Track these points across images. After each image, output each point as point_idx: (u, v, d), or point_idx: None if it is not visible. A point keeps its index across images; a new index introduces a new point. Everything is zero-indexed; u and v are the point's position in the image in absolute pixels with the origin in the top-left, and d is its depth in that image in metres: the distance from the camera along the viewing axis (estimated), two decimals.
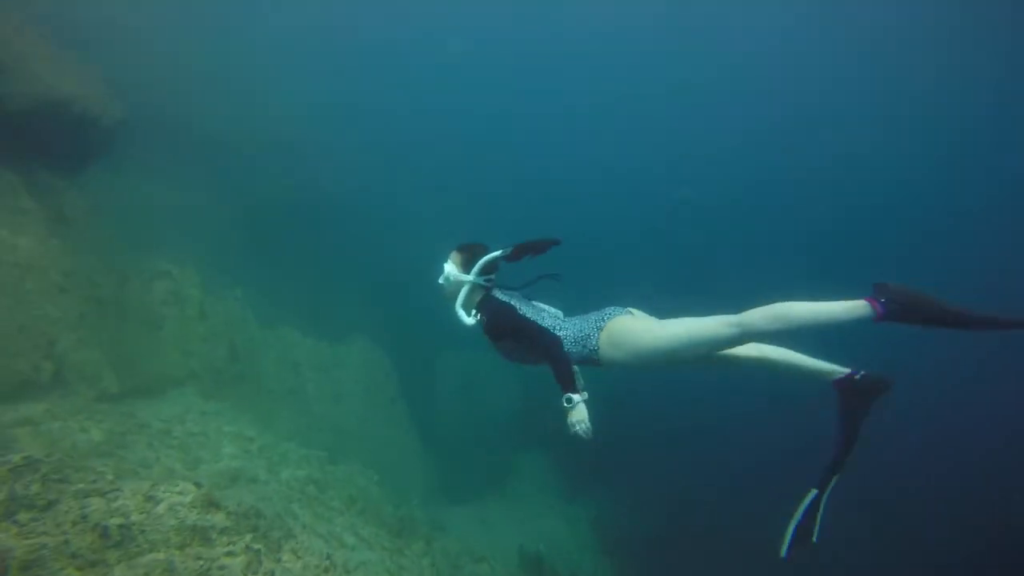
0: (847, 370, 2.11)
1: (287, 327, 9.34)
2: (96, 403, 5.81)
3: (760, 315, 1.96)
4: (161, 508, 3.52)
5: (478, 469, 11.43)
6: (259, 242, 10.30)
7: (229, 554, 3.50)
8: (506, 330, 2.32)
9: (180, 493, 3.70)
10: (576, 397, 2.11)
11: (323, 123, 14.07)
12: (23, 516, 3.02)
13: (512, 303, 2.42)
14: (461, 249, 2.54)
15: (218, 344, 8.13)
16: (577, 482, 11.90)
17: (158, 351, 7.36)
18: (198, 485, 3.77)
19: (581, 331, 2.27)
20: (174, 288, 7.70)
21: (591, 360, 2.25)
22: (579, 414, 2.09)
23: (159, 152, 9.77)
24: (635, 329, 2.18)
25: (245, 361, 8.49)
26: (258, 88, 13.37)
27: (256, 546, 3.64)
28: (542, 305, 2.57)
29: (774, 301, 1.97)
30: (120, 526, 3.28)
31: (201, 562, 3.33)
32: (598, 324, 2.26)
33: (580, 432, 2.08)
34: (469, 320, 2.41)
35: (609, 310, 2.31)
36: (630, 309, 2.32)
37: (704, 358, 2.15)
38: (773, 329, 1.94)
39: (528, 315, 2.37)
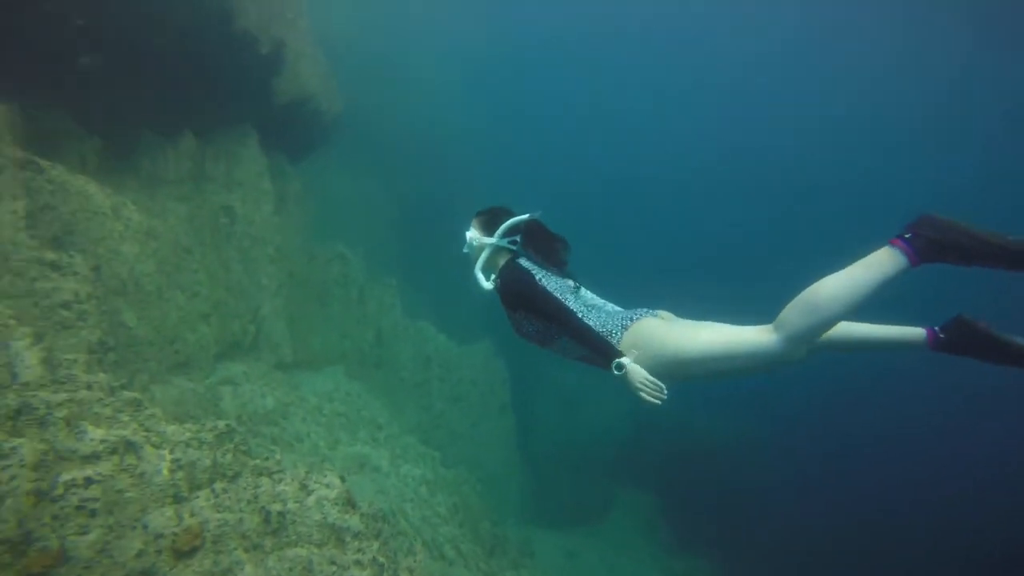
0: (923, 331, 1.81)
1: (425, 321, 9.98)
2: (274, 370, 6.83)
3: (795, 314, 1.73)
4: (311, 500, 3.81)
5: (574, 496, 10.98)
6: (416, 235, 11.15)
7: (358, 564, 3.66)
8: (519, 299, 2.10)
9: (327, 486, 3.97)
10: (625, 360, 1.87)
11: (489, 133, 14.77)
12: (219, 485, 3.54)
13: (536, 274, 2.15)
14: (481, 213, 2.36)
15: (368, 328, 9.01)
16: (688, 532, 10.49)
17: (323, 328, 8.41)
18: (342, 479, 4.03)
19: (604, 326, 2.04)
20: (344, 270, 8.71)
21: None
22: (638, 374, 1.84)
23: (355, 144, 11.17)
24: (660, 334, 1.96)
25: (387, 347, 9.29)
26: (439, 94, 14.56)
27: (381, 559, 3.76)
28: (586, 292, 2.26)
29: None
30: (279, 513, 3.60)
31: (334, 568, 3.52)
32: (623, 323, 2.04)
33: (650, 394, 1.82)
34: (487, 284, 2.22)
35: (639, 311, 2.10)
36: (659, 312, 2.12)
37: (752, 371, 1.88)
38: (818, 322, 1.70)
39: (550, 288, 2.11)
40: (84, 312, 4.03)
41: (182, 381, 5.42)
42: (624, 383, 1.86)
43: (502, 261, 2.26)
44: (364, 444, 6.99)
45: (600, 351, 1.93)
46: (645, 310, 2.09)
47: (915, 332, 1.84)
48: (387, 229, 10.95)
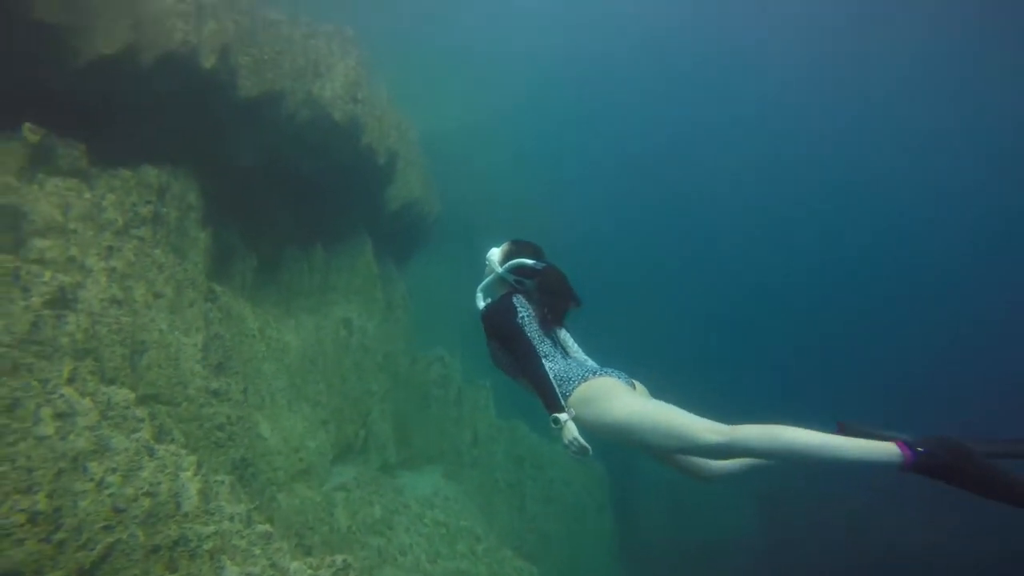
0: (896, 446, 1.66)
1: (519, 420, 9.86)
2: (381, 474, 7.04)
3: (756, 431, 1.76)
4: None
5: None
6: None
7: None
8: (495, 329, 2.25)
9: None
10: (563, 417, 1.97)
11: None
12: None
13: (520, 312, 2.27)
14: (512, 242, 2.49)
15: (465, 428, 9.08)
16: None
17: (424, 428, 8.63)
18: None
19: (567, 373, 2.13)
20: (444, 372, 9.06)
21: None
22: (568, 433, 1.95)
23: (452, 242, 12.09)
24: (616, 394, 2.03)
25: (482, 447, 9.22)
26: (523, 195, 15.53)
27: None
28: (567, 339, 2.38)
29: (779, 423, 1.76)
30: None
31: None
32: (584, 375, 2.10)
33: (575, 451, 1.96)
34: (479, 304, 2.41)
35: (609, 369, 2.16)
36: (633, 381, 2.17)
37: (676, 455, 2.02)
38: (765, 448, 1.74)
39: (527, 330, 2.22)
40: (234, 433, 4.51)
41: (303, 488, 5.72)
42: (557, 435, 1.98)
43: (500, 290, 2.41)
44: (463, 558, 6.72)
45: (546, 400, 2.02)
46: (619, 372, 2.15)
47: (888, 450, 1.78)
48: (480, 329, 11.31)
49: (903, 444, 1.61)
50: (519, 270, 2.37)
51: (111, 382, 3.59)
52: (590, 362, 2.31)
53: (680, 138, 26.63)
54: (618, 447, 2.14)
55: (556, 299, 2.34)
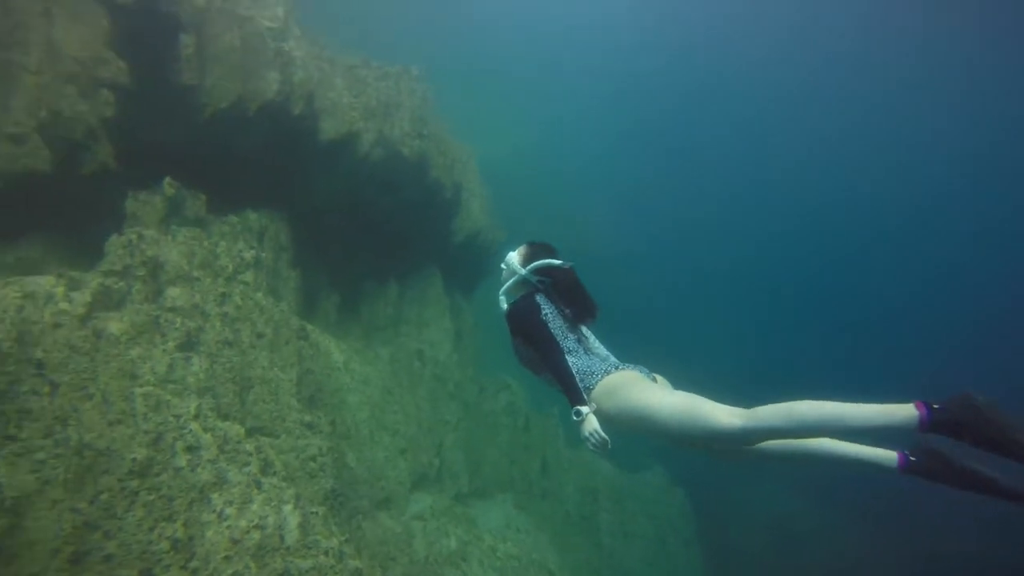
0: (896, 455, 1.87)
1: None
2: (454, 502, 7.15)
3: (772, 409, 1.83)
4: None
5: None
6: None
7: None
8: (520, 326, 2.36)
9: None
10: (584, 409, 2.07)
11: None
12: None
13: (543, 309, 2.38)
14: (529, 245, 2.60)
15: (534, 457, 9.01)
16: None
17: (493, 456, 8.67)
18: None
19: (590, 367, 2.25)
20: (511, 400, 9.10)
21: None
22: (589, 426, 2.03)
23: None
24: (637, 385, 2.14)
25: (552, 478, 9.09)
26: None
27: None
28: (588, 334, 2.49)
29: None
30: None
31: None
32: (607, 369, 2.23)
33: (594, 445, 2.03)
34: (505, 306, 2.50)
35: (630, 364, 2.28)
36: (655, 375, 2.27)
37: (699, 444, 2.05)
38: (784, 425, 1.80)
39: (551, 326, 2.34)
40: (324, 464, 4.79)
41: (384, 517, 5.94)
42: (576, 428, 2.05)
43: (521, 290, 2.52)
44: None
45: (568, 393, 2.11)
46: (640, 367, 2.25)
47: (888, 456, 1.89)
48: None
49: (920, 403, 1.63)
50: (543, 271, 2.47)
51: (224, 417, 3.98)
52: (612, 358, 2.40)
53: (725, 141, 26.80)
54: (642, 438, 2.20)
55: (576, 296, 2.45)
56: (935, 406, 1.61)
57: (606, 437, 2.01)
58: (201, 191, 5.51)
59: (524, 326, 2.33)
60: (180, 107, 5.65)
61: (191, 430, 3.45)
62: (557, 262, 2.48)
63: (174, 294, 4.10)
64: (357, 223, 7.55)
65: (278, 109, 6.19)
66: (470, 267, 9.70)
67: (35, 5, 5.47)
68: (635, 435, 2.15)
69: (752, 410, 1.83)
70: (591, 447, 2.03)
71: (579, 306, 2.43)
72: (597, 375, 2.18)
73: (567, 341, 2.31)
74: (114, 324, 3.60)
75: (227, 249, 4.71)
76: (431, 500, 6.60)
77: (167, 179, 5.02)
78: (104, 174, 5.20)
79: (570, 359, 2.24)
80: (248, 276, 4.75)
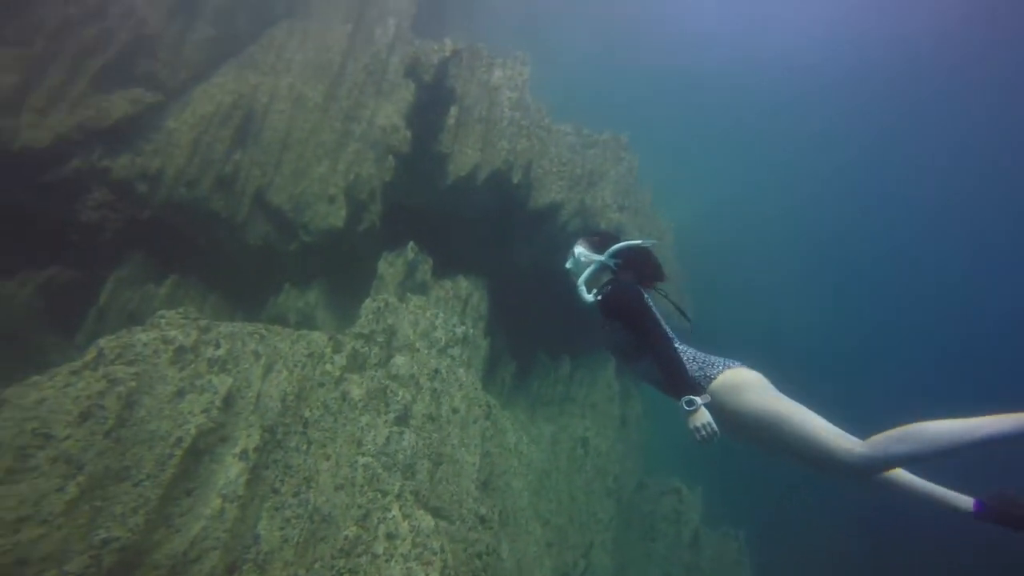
0: (971, 501, 2.07)
1: None
2: None
3: (895, 436, 1.99)
4: None
5: None
6: (776, 478, 9.90)
7: None
8: (625, 309, 2.37)
9: None
10: (698, 399, 2.11)
11: None
12: None
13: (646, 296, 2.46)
14: (591, 235, 2.77)
15: None
16: None
17: (645, 565, 7.98)
18: None
19: (706, 359, 2.34)
20: (678, 507, 8.31)
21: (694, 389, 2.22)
22: (702, 417, 2.09)
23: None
24: (771, 391, 2.23)
25: None
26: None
27: None
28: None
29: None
30: None
31: None
32: (727, 363, 2.32)
33: (705, 435, 2.07)
34: (589, 297, 2.58)
35: (735, 361, 2.36)
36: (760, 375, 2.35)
37: (808, 464, 2.16)
38: (911, 452, 1.96)
39: (658, 318, 2.40)
40: (488, 564, 4.87)
41: None
42: (685, 418, 2.10)
43: (605, 278, 2.64)
44: None
45: (676, 380, 2.17)
46: (739, 362, 2.36)
47: (964, 500, 2.09)
48: (736, 471, 10.18)
49: None
50: (623, 253, 2.59)
51: (415, 494, 4.32)
52: (698, 351, 2.45)
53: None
54: (745, 440, 2.25)
55: (653, 275, 2.59)
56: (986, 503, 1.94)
57: (717, 430, 2.07)
58: (427, 255, 6.33)
59: (628, 310, 2.37)
60: (433, 173, 6.65)
61: (393, 516, 3.78)
62: (637, 242, 2.62)
63: (399, 362, 4.68)
64: (542, 295, 7.86)
65: (502, 177, 6.85)
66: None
67: (372, 86, 7.05)
68: (739, 435, 2.25)
69: (871, 441, 1.99)
70: (699, 438, 2.08)
71: (654, 279, 2.61)
72: (718, 367, 2.30)
73: (667, 329, 2.39)
74: (356, 388, 4.22)
75: (444, 322, 5.24)
76: None
77: (411, 244, 5.89)
78: (369, 232, 6.35)
79: (679, 347, 2.35)
80: (456, 351, 5.21)
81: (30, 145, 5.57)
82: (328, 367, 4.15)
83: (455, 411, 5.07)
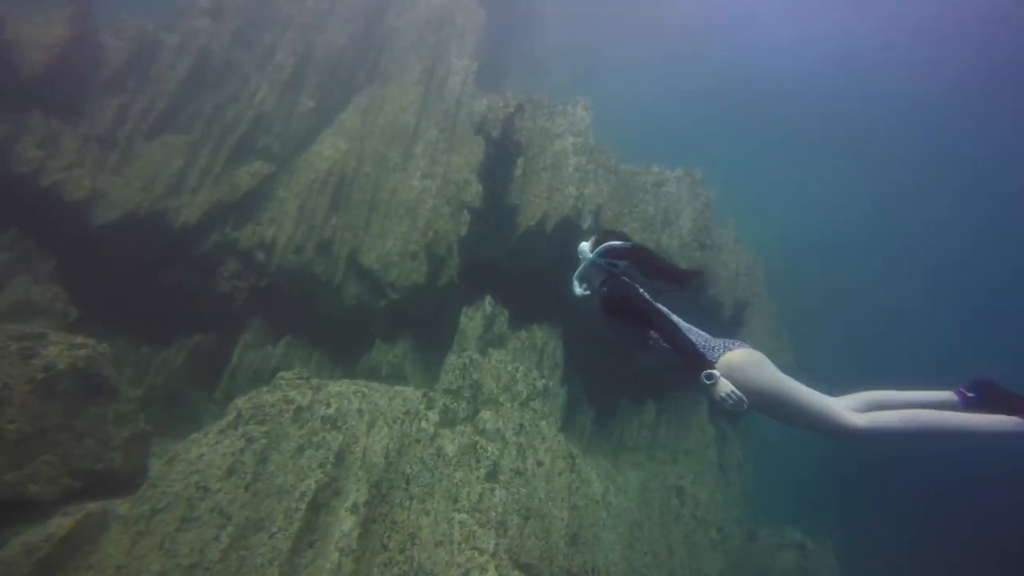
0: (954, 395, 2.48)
1: None
2: None
3: (896, 415, 2.36)
4: None
5: None
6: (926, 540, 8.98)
7: None
8: (623, 307, 2.58)
9: None
10: (715, 372, 2.32)
11: None
12: None
13: (641, 289, 2.66)
14: (602, 232, 2.92)
15: None
16: None
17: None
18: None
19: (709, 342, 2.55)
20: (802, 563, 7.74)
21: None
22: (725, 386, 2.29)
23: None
24: (770, 367, 2.47)
25: None
26: None
27: None
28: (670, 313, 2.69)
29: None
30: None
31: None
32: (726, 344, 2.53)
33: (733, 404, 2.26)
34: (578, 291, 2.90)
35: (737, 341, 2.58)
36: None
37: (811, 430, 2.44)
38: (903, 430, 2.32)
39: (658, 308, 2.61)
40: None
41: None
42: (709, 392, 2.32)
43: (597, 276, 2.82)
44: None
45: (693, 360, 2.39)
46: (737, 342, 2.57)
47: (947, 396, 2.48)
48: (864, 523, 9.38)
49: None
50: (610, 252, 2.75)
51: (508, 552, 4.56)
52: (704, 333, 2.63)
53: None
54: (752, 407, 2.38)
55: (662, 268, 2.70)
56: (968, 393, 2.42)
57: (743, 396, 2.26)
58: (503, 306, 6.76)
59: (627, 305, 2.58)
60: (503, 225, 7.16)
61: None
62: (618, 243, 2.74)
63: (486, 417, 5.05)
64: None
65: (570, 224, 7.16)
66: None
67: (444, 143, 7.88)
68: (749, 407, 2.36)
69: (874, 414, 2.33)
70: (729, 406, 2.26)
71: (670, 276, 2.68)
72: (718, 350, 2.49)
73: (674, 317, 2.60)
74: (448, 444, 4.63)
75: (524, 375, 5.57)
76: None
77: (488, 298, 6.37)
78: (449, 287, 6.95)
79: (689, 330, 2.57)
80: (537, 403, 5.49)
81: (187, 222, 6.84)
82: (423, 424, 4.61)
83: (540, 464, 5.30)
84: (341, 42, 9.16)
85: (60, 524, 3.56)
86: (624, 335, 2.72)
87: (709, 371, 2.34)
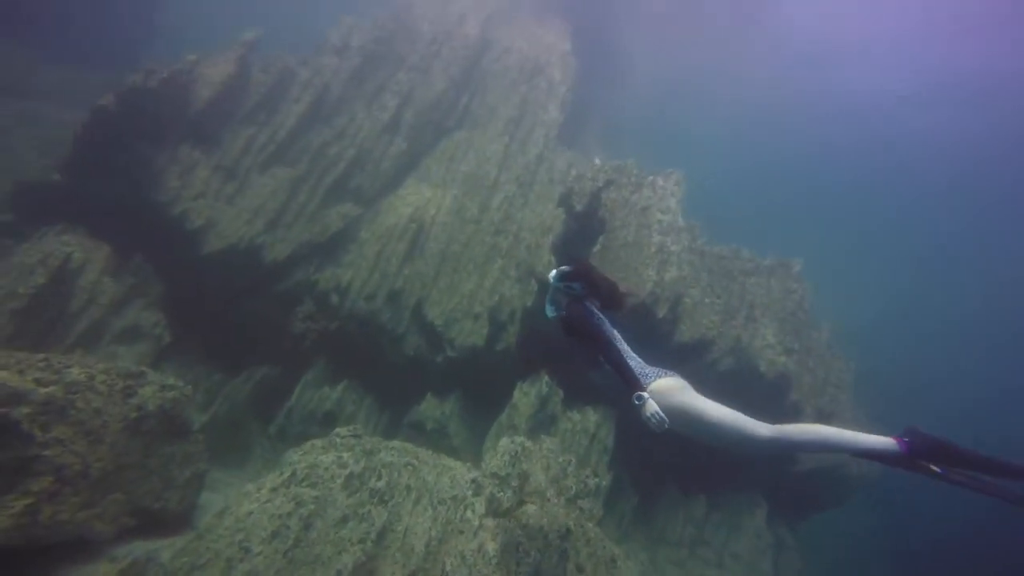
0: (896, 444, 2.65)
1: None
2: None
3: (796, 428, 2.74)
4: None
5: None
6: None
7: None
8: (577, 328, 3.01)
9: None
10: (645, 394, 2.67)
11: None
12: None
13: (596, 315, 3.11)
14: (560, 259, 3.33)
15: None
16: None
17: None
18: None
19: (642, 369, 2.93)
20: None
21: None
22: (651, 407, 2.63)
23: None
24: (690, 392, 2.86)
25: None
26: None
27: None
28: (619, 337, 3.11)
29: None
30: None
31: None
32: (658, 373, 2.93)
33: (655, 424, 2.58)
34: (549, 312, 3.24)
35: (669, 371, 2.97)
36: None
37: (729, 445, 2.79)
38: (802, 440, 2.74)
39: (604, 327, 3.06)
40: None
41: None
42: (637, 411, 2.65)
43: (563, 299, 3.23)
44: None
45: (628, 381, 2.75)
46: (673, 373, 2.97)
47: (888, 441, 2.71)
48: None
49: (898, 438, 2.61)
50: (563, 276, 3.15)
51: None
52: (648, 365, 2.98)
53: None
54: (682, 434, 2.79)
55: (603, 289, 3.12)
56: (906, 439, 2.58)
57: (666, 418, 2.58)
58: (558, 385, 6.72)
59: (580, 327, 2.98)
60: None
61: None
62: (565, 267, 3.16)
63: (530, 511, 4.99)
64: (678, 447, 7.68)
65: (646, 310, 7.04)
66: (809, 499, 8.43)
67: (520, 198, 8.02)
68: (677, 429, 2.71)
69: (780, 426, 2.72)
70: (653, 425, 2.56)
71: (603, 296, 3.12)
72: (650, 377, 2.86)
73: (620, 343, 3.00)
74: (490, 542, 4.61)
75: (576, 471, 5.48)
76: None
77: (545, 378, 6.37)
78: (505, 352, 7.01)
79: (630, 357, 2.94)
80: (586, 503, 5.38)
81: (276, 258, 7.33)
82: (469, 514, 4.62)
83: (580, 570, 5.18)
84: (441, 85, 9.58)
85: (107, 572, 3.82)
86: (580, 353, 3.13)
87: (639, 393, 2.68)
